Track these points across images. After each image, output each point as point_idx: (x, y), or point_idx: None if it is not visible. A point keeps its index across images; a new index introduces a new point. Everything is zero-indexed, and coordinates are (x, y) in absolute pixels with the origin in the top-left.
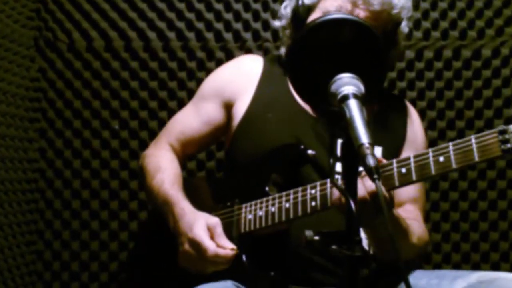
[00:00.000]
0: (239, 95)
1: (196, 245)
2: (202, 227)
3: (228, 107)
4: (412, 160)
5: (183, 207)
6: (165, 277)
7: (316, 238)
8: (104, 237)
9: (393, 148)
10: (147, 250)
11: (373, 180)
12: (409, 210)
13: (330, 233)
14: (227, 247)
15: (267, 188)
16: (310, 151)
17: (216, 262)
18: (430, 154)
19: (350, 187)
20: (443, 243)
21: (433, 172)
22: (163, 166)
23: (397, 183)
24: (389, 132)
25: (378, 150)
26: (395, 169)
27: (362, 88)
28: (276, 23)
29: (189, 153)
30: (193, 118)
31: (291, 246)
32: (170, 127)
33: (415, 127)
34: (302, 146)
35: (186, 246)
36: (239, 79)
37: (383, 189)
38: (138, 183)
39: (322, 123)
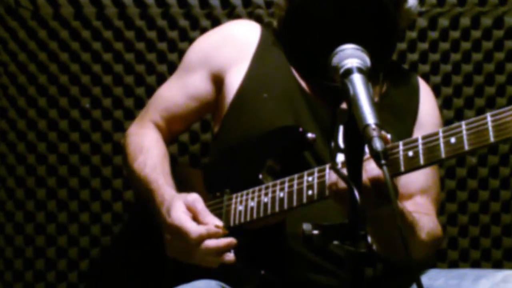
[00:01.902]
0: (230, 67)
1: (176, 230)
2: (181, 209)
3: (217, 80)
4: (420, 141)
5: (162, 193)
6: (141, 275)
7: (315, 232)
8: (73, 231)
9: (404, 136)
10: (121, 246)
11: (380, 166)
12: (420, 203)
13: (331, 227)
14: (210, 223)
15: (260, 176)
16: (310, 135)
17: (204, 246)
18: (440, 134)
19: (353, 174)
20: (460, 238)
21: (443, 155)
22: (145, 146)
23: (402, 168)
24: (399, 117)
25: None
26: (401, 152)
27: (367, 61)
28: None
29: (176, 131)
30: (177, 93)
31: (285, 241)
32: (153, 103)
33: (429, 108)
34: (301, 129)
35: (168, 235)
36: (230, 47)
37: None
38: (112, 169)
39: (323, 103)
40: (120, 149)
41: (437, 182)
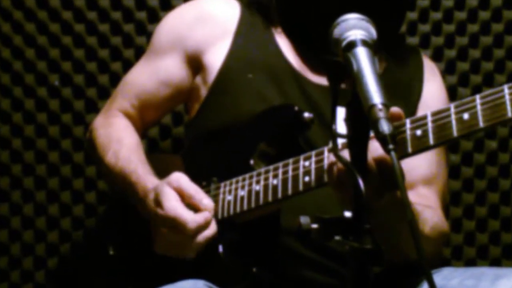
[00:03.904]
0: (208, 47)
1: (172, 221)
2: (172, 196)
3: (193, 63)
4: (429, 119)
5: (144, 184)
6: (118, 275)
7: (314, 226)
8: (40, 225)
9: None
10: (94, 242)
11: (388, 151)
12: (422, 195)
13: (332, 220)
14: (203, 204)
15: (251, 162)
16: (307, 114)
17: (202, 237)
18: (452, 110)
19: (357, 160)
20: (478, 233)
21: (455, 133)
22: (115, 137)
23: (410, 149)
24: (401, 97)
25: None
26: (408, 131)
27: (373, 33)
28: None
29: (150, 120)
30: (148, 78)
31: (280, 236)
32: (121, 90)
33: (435, 88)
34: (296, 108)
35: (163, 228)
36: (207, 25)
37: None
38: (84, 155)
39: (316, 83)
40: (86, 144)
41: (444, 171)
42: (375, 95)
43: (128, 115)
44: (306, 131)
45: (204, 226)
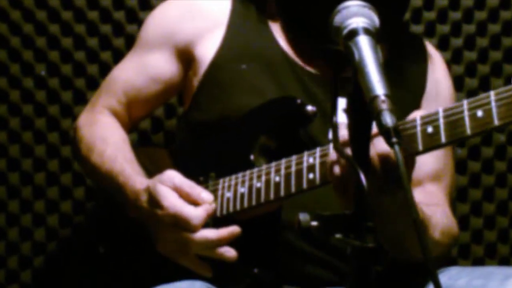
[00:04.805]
0: (200, 39)
1: (174, 219)
2: (169, 194)
3: (184, 57)
4: (441, 115)
5: (134, 185)
6: (108, 275)
7: (314, 224)
8: (25, 222)
9: (411, 111)
10: (83, 240)
11: (391, 145)
12: (430, 192)
13: (333, 217)
14: (200, 198)
15: (252, 157)
16: (309, 107)
17: (203, 236)
18: (465, 106)
19: (359, 155)
20: (486, 231)
21: (468, 131)
22: (99, 136)
23: (420, 147)
24: (404, 89)
25: None
26: (418, 128)
27: (376, 20)
28: None
29: (138, 117)
30: (136, 74)
31: (281, 234)
32: (107, 87)
33: (440, 79)
34: (299, 101)
35: (165, 227)
36: (197, 18)
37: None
38: (72, 149)
39: (314, 74)
40: (70, 144)
41: (451, 166)
42: (378, 86)
43: (114, 112)
44: (308, 124)
45: (205, 218)
